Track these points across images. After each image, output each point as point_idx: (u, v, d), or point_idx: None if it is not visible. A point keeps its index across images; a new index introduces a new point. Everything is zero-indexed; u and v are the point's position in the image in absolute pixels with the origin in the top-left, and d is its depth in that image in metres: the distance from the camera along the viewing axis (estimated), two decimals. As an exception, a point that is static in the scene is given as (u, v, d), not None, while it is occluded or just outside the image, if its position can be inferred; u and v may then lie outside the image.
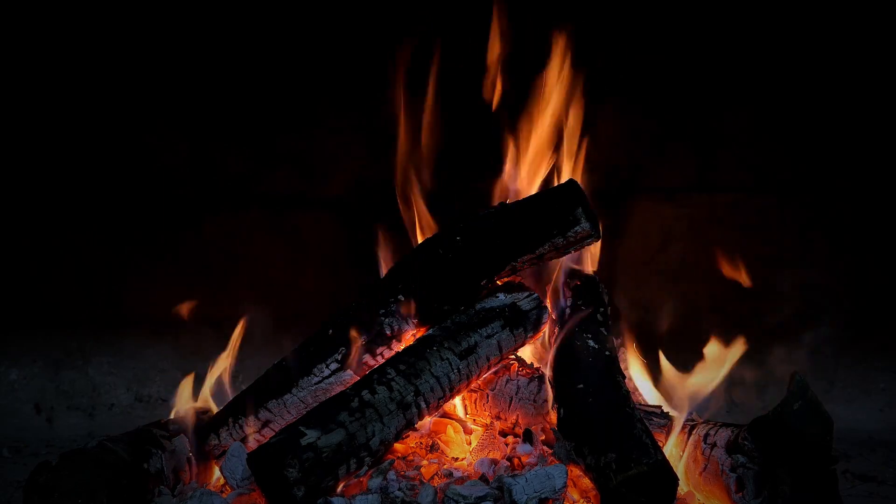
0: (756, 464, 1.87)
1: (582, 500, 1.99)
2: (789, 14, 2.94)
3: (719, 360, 2.30)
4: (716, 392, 2.24)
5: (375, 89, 2.83)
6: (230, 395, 2.38)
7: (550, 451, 2.14)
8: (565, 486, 1.91)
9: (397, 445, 2.11)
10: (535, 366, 2.34)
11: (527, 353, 2.39)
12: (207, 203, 3.08)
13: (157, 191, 3.07)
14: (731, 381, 3.02)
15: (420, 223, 2.52)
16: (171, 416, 2.27)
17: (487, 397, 2.29)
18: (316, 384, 2.19)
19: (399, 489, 1.95)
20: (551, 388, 2.20)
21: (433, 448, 2.17)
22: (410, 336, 2.24)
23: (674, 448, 2.12)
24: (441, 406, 2.15)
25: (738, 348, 2.29)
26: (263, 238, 3.08)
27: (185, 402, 2.28)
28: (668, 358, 2.38)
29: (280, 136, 3.05)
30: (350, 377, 2.18)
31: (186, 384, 2.31)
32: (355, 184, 3.05)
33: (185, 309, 2.62)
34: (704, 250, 2.90)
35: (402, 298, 2.23)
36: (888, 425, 2.99)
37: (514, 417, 2.26)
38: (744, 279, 2.45)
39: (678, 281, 2.59)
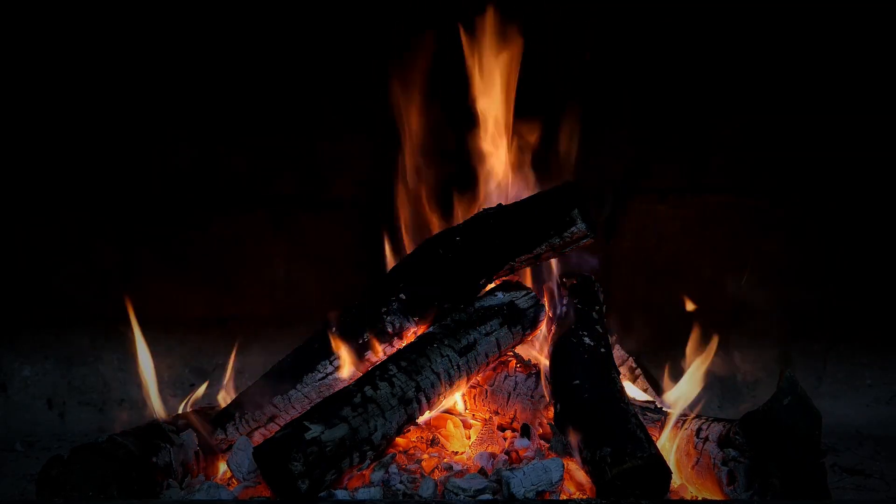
0: (747, 457, 1.91)
1: (578, 493, 2.02)
2: (779, 25, 2.96)
3: (697, 363, 2.35)
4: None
5: (377, 94, 2.86)
6: (234, 392, 2.42)
7: (547, 446, 2.18)
8: (562, 479, 1.94)
9: (399, 440, 2.15)
10: (532, 362, 2.37)
11: (524, 350, 2.43)
12: (215, 205, 3.10)
13: (166, 193, 3.09)
14: (724, 378, 3.09)
15: (421, 224, 2.56)
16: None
17: (486, 393, 2.33)
18: (320, 380, 2.23)
19: (401, 482, 1.99)
20: (548, 383, 2.24)
21: (434, 442, 2.21)
22: (412, 333, 2.28)
23: (667, 442, 2.15)
24: (441, 401, 2.19)
25: (711, 349, 2.34)
26: (269, 239, 3.10)
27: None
28: (660, 355, 2.41)
29: (285, 140, 3.07)
30: (353, 374, 2.23)
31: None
32: (358, 186, 3.07)
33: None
34: (697, 250, 2.92)
35: (404, 297, 2.27)
36: (875, 420, 3.01)
37: (513, 412, 2.29)
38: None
39: (671, 280, 2.60)
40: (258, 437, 2.20)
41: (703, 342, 2.39)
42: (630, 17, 2.92)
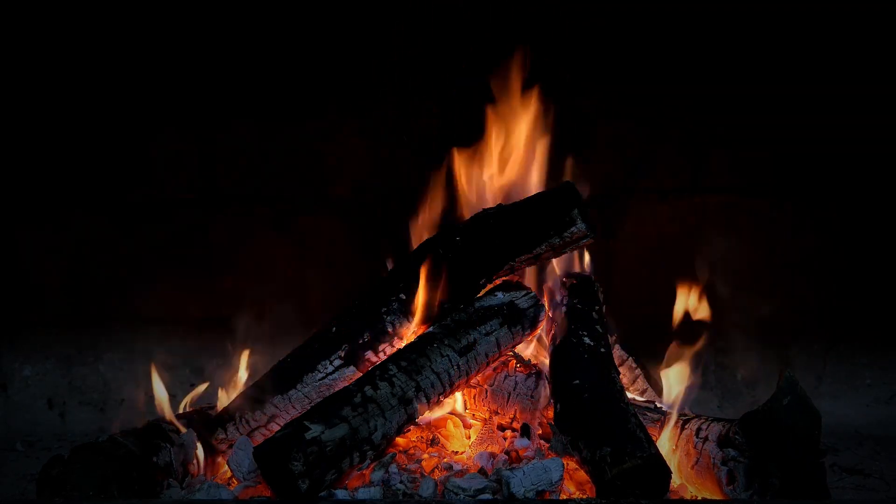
0: (747, 457, 1.91)
1: (578, 493, 2.02)
2: (780, 23, 2.97)
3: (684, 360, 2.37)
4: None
5: (377, 93, 2.88)
6: (236, 391, 2.42)
7: (547, 445, 2.18)
8: (562, 478, 1.94)
9: (399, 439, 2.15)
10: (532, 362, 2.38)
11: (524, 349, 2.44)
12: (215, 204, 3.11)
13: (167, 193, 3.11)
14: (723, 378, 3.09)
15: (421, 224, 2.56)
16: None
17: (486, 393, 2.33)
18: (320, 380, 2.23)
19: (401, 482, 2.00)
20: (548, 383, 2.25)
21: (434, 442, 2.21)
22: (411, 333, 2.28)
23: (667, 442, 2.15)
24: (441, 401, 2.19)
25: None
26: (269, 239, 3.11)
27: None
28: (660, 355, 2.42)
29: (286, 140, 3.08)
30: (353, 373, 2.23)
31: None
32: (358, 186, 3.08)
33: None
34: (697, 251, 2.91)
35: (404, 297, 2.27)
36: (875, 420, 3.02)
37: (512, 412, 2.29)
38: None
39: (671, 280, 2.61)
40: (259, 437, 2.20)
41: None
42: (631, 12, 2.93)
